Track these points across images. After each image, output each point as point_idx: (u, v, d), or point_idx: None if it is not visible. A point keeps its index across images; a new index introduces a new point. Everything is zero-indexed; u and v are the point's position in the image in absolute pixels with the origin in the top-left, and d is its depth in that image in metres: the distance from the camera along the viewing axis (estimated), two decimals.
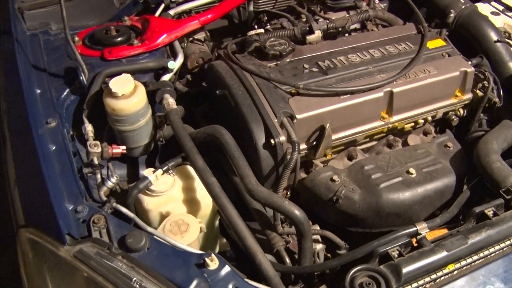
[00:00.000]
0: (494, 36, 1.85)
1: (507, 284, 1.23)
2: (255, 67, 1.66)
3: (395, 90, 1.64)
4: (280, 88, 1.60)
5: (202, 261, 1.18)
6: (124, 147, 1.58)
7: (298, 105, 1.55)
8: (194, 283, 1.14)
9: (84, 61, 1.64)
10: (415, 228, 1.31)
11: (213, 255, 1.17)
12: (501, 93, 1.73)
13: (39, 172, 1.32)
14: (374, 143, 1.80)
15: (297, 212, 1.33)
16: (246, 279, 1.18)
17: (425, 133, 1.87)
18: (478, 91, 1.79)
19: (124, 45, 1.73)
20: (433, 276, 1.24)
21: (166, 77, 1.73)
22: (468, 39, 1.92)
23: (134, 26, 1.86)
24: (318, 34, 1.90)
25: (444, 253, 1.26)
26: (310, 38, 1.89)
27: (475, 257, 1.28)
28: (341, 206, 1.56)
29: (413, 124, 1.77)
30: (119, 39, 1.76)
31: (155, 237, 1.24)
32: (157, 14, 1.99)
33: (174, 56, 1.78)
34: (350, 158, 1.74)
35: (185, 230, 1.34)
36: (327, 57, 1.75)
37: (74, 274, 1.15)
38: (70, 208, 1.28)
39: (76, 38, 1.76)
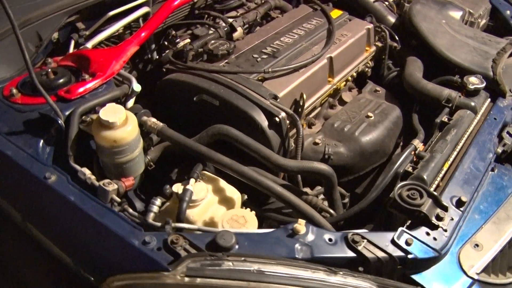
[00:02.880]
0: None
1: (485, 161, 1.68)
2: (217, 68, 1.83)
3: (332, 55, 2.01)
4: (249, 78, 1.80)
5: (291, 231, 1.33)
6: (132, 177, 1.57)
7: (273, 87, 1.79)
8: (298, 249, 1.29)
9: (37, 109, 1.58)
10: (413, 145, 1.69)
11: (299, 220, 1.33)
12: (397, 38, 2.26)
13: (89, 222, 1.28)
14: (319, 109, 2.14)
15: (326, 167, 1.59)
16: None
17: (350, 89, 2.29)
18: (378, 42, 2.29)
19: (80, 82, 1.69)
20: (440, 175, 1.64)
21: (131, 102, 1.77)
22: (350, 5, 2.43)
23: (66, 65, 1.82)
24: (240, 30, 2.15)
25: (439, 155, 1.67)
26: (235, 35, 2.12)
27: (455, 153, 1.72)
28: (333, 161, 1.85)
29: (345, 82, 2.17)
30: (61, 80, 1.72)
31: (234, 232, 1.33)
32: (70, 51, 1.97)
33: (127, 81, 1.81)
34: (310, 126, 2.05)
35: (244, 221, 1.45)
36: (265, 45, 2.02)
37: None
38: (136, 243, 1.27)
39: (14, 91, 1.65)
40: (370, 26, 2.23)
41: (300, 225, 1.33)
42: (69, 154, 1.55)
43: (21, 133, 1.56)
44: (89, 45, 2.00)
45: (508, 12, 2.50)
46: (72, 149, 1.55)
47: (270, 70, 1.80)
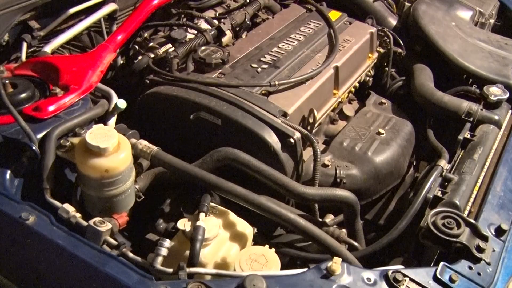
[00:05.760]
0: None
1: None
2: (215, 80, 1.81)
3: (338, 64, 2.04)
4: (253, 93, 1.79)
5: (325, 271, 1.34)
6: (125, 213, 1.52)
7: (281, 102, 1.79)
8: None
9: None
10: (441, 167, 1.75)
11: (335, 258, 1.34)
12: (401, 43, 2.34)
13: (87, 272, 1.24)
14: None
15: (350, 195, 1.62)
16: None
17: (350, 101, 2.35)
18: (379, 48, 2.36)
19: (50, 97, 1.62)
20: (471, 200, 1.70)
21: (112, 122, 1.71)
22: (345, 4, 2.49)
23: (25, 75, 1.74)
24: (229, 34, 2.15)
25: (469, 177, 1.74)
26: (225, 40, 2.12)
27: (483, 173, 1.80)
28: (346, 185, 1.88)
29: (347, 94, 2.22)
30: (24, 94, 1.63)
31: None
32: (23, 55, 1.90)
33: (106, 96, 1.75)
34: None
35: (265, 261, 1.44)
36: (262, 53, 2.02)
37: None
38: None
39: None
40: (373, 30, 2.29)
41: (336, 264, 1.33)
42: (45, 188, 1.47)
43: None
44: (48, 49, 1.93)
45: None
46: (48, 181, 1.48)
47: (276, 83, 1.80)
